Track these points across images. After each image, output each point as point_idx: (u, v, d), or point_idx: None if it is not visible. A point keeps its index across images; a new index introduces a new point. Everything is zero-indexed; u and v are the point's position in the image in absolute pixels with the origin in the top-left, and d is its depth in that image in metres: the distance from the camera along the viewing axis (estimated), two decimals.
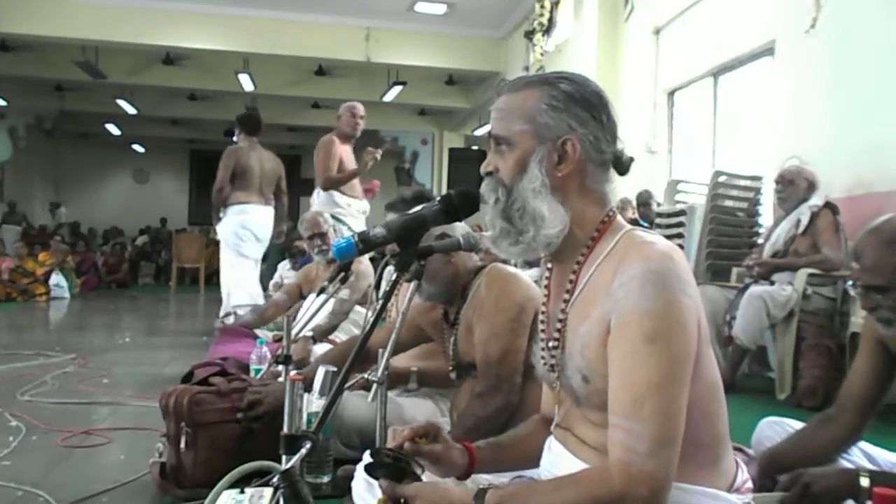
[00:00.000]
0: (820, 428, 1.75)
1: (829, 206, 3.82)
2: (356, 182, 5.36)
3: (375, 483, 1.33)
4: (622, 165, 1.20)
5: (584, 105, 1.16)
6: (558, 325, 1.19)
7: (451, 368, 2.12)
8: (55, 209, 15.64)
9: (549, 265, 1.28)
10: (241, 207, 5.41)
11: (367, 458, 1.41)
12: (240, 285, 5.50)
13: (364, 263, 3.90)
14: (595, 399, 1.13)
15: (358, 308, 3.92)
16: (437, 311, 2.14)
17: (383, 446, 1.24)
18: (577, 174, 1.16)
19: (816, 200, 3.87)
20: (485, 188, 1.21)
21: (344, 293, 3.70)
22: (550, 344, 1.21)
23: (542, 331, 1.25)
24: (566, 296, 1.18)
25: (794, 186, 3.93)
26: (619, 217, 1.20)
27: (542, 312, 1.26)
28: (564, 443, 1.23)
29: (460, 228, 1.99)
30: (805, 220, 3.84)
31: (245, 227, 5.44)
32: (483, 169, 1.21)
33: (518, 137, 1.17)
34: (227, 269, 5.59)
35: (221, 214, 5.49)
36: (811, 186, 3.93)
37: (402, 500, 1.13)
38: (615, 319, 1.07)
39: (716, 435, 1.14)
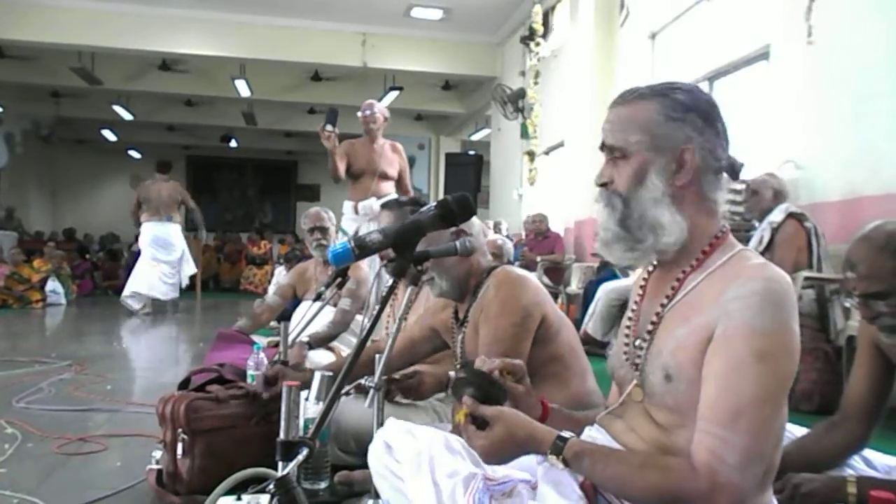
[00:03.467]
0: (826, 434, 1.75)
1: (794, 216, 3.80)
2: (365, 183, 5.12)
3: (394, 446, 1.35)
4: (735, 171, 1.23)
5: (699, 113, 1.18)
6: (650, 327, 1.20)
7: (458, 367, 2.12)
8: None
9: (651, 268, 1.29)
10: (147, 225, 7.88)
11: (388, 424, 1.42)
12: (138, 281, 7.85)
13: (364, 271, 3.88)
14: (668, 399, 1.14)
15: (358, 317, 3.90)
16: (449, 311, 2.14)
17: (476, 368, 1.27)
18: (695, 183, 1.18)
19: (776, 216, 3.85)
20: (600, 198, 1.23)
21: (345, 303, 3.68)
22: (637, 342, 1.22)
23: (629, 326, 1.27)
24: (665, 300, 1.20)
25: (757, 197, 3.93)
26: (731, 235, 1.22)
27: (633, 311, 1.28)
28: (609, 429, 1.25)
29: (477, 226, 2.01)
30: (766, 237, 3.84)
31: (151, 238, 7.84)
32: (597, 180, 1.24)
33: (635, 148, 1.18)
34: (138, 268, 7.96)
35: (139, 231, 8.04)
36: (777, 196, 3.90)
37: (479, 420, 1.16)
38: (723, 328, 1.07)
39: (772, 464, 1.14)
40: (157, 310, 8.06)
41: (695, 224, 1.18)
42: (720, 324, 1.08)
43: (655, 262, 1.27)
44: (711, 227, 1.20)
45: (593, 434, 1.28)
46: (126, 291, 7.88)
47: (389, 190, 5.21)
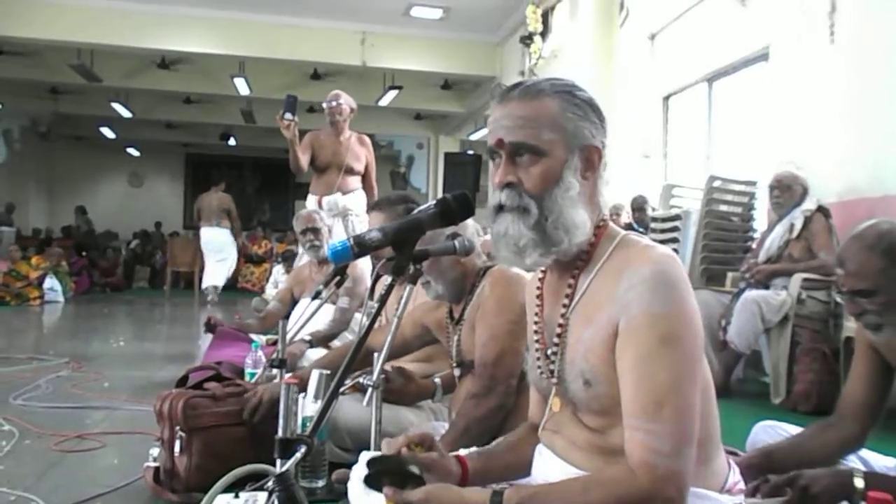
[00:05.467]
0: (821, 433, 1.75)
1: (822, 210, 3.85)
2: (330, 177, 5.01)
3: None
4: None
5: (596, 112, 1.18)
6: (558, 331, 1.18)
7: (454, 366, 2.12)
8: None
9: (542, 274, 1.28)
10: (202, 230, 9.59)
11: (362, 462, 1.41)
12: (207, 276, 9.67)
13: (360, 268, 3.86)
14: (595, 404, 1.14)
15: (357, 315, 3.88)
16: (443, 309, 2.14)
17: (380, 457, 1.22)
18: (594, 181, 1.18)
19: (809, 205, 3.90)
20: (508, 201, 1.16)
21: (343, 301, 3.66)
22: (549, 351, 1.20)
23: (537, 340, 1.24)
24: (566, 300, 1.18)
25: (790, 192, 3.95)
26: (611, 223, 1.22)
27: (536, 323, 1.26)
28: (552, 446, 1.23)
29: (471, 228, 2.00)
30: (798, 225, 3.86)
31: (204, 241, 9.58)
32: (501, 180, 1.17)
33: (548, 146, 1.14)
34: (207, 267, 9.79)
35: (200, 234, 9.73)
36: (805, 192, 3.97)
37: None
38: (625, 322, 1.08)
39: (707, 433, 1.15)
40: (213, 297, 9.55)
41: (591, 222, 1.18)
42: (621, 317, 1.08)
43: (547, 266, 1.25)
44: (594, 222, 1.19)
45: (544, 457, 1.25)
46: (203, 284, 9.84)
47: (355, 185, 5.08)
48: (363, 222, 5.07)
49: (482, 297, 1.99)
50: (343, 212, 5.05)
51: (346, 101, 4.98)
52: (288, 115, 4.49)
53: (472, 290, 2.03)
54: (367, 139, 5.23)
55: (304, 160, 4.85)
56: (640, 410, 1.05)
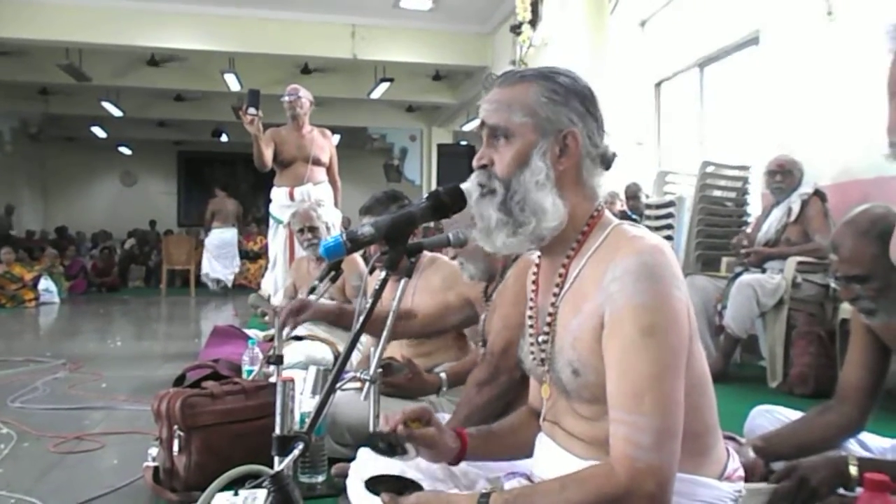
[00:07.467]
0: (819, 417, 1.76)
1: (818, 194, 3.86)
2: (297, 169, 4.99)
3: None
4: (608, 161, 1.21)
5: (581, 99, 1.17)
6: (548, 319, 1.19)
7: (480, 344, 2.13)
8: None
9: (538, 260, 1.28)
10: (216, 231, 10.38)
11: (361, 458, 1.41)
12: (206, 269, 10.39)
13: (362, 265, 3.84)
14: (585, 392, 1.14)
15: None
16: (482, 285, 2.15)
17: (377, 431, 1.23)
18: (575, 168, 1.17)
19: (806, 188, 3.91)
20: (476, 181, 1.20)
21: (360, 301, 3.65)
22: (540, 338, 1.21)
23: (531, 326, 1.25)
24: (556, 289, 1.19)
25: (791, 177, 3.96)
26: (606, 212, 1.21)
27: (531, 308, 1.26)
28: (553, 437, 1.24)
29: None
30: (796, 209, 3.87)
31: (216, 240, 10.37)
32: (476, 162, 1.20)
33: (519, 129, 1.16)
34: (205, 261, 10.49)
35: (210, 234, 10.47)
36: (802, 175, 3.98)
37: None
38: (609, 313, 1.07)
39: (705, 425, 1.15)
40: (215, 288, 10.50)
41: (574, 209, 1.17)
42: (606, 308, 1.07)
43: (539, 253, 1.25)
44: (588, 210, 1.19)
45: (546, 445, 1.26)
46: (212, 276, 10.54)
47: (323, 177, 5.10)
48: (333, 214, 5.09)
49: (507, 283, 1.98)
50: (316, 203, 5.08)
51: (306, 95, 5.05)
52: (251, 110, 4.48)
53: (503, 272, 2.03)
54: (329, 132, 5.24)
55: (268, 154, 4.86)
56: (621, 402, 1.04)
